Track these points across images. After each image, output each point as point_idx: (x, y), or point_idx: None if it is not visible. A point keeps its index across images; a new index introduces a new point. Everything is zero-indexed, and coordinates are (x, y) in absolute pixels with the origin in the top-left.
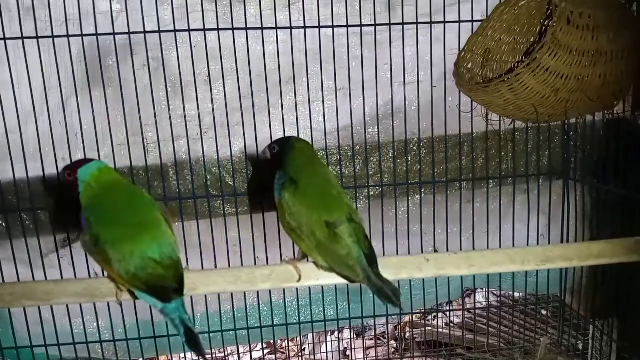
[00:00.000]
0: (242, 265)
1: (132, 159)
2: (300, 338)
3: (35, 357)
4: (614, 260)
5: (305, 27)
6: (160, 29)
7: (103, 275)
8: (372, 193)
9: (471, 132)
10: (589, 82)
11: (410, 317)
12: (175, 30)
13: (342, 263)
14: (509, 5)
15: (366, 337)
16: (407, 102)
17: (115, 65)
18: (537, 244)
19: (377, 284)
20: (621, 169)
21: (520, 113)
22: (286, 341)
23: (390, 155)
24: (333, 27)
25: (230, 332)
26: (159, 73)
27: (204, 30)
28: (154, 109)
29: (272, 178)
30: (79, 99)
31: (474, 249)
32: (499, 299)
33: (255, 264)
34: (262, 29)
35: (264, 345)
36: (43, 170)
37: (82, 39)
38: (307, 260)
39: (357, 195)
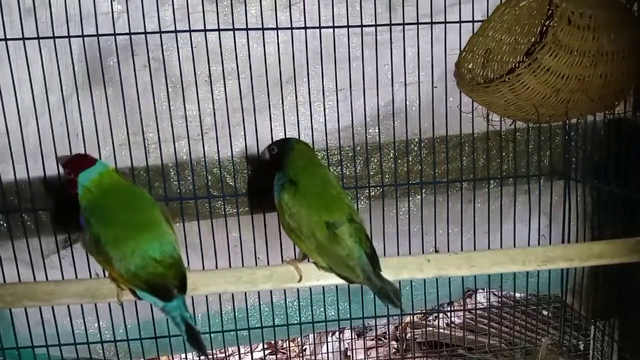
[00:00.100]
0: (242, 265)
1: (133, 159)
2: (301, 338)
3: (37, 357)
4: (615, 261)
5: (305, 28)
6: (161, 30)
7: (104, 275)
8: (373, 193)
9: (472, 132)
10: (590, 82)
11: (411, 318)
12: (176, 31)
13: (342, 264)
14: (509, 5)
15: (367, 338)
16: (407, 103)
17: (116, 66)
18: (538, 244)
19: (378, 285)
20: (622, 169)
21: (521, 113)
22: (287, 341)
23: (391, 155)
24: (334, 27)
25: (231, 333)
26: (160, 73)
27: (205, 30)
28: (155, 109)
29: (272, 179)
30: (79, 99)
31: (475, 249)
32: (500, 299)
33: (256, 264)
34: (262, 29)
35: (265, 346)
36: (44, 171)
37: (83, 39)
38: (308, 261)
39: (358, 195)
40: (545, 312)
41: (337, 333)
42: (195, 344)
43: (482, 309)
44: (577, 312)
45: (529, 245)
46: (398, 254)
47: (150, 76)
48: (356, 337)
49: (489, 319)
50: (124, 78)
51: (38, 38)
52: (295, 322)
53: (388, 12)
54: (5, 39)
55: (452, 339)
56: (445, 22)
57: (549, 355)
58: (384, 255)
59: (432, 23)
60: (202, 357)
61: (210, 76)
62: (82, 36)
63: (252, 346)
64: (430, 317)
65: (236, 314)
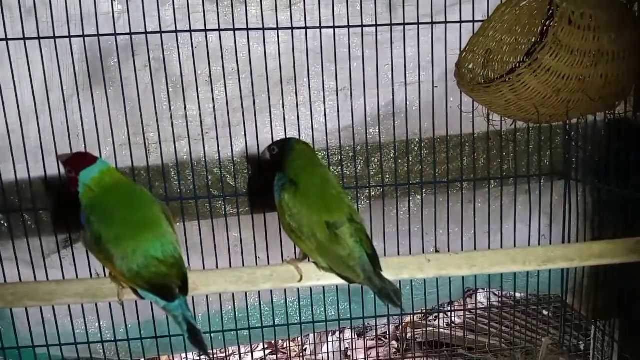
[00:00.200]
0: (243, 265)
1: (134, 159)
2: (302, 338)
3: (37, 357)
4: (615, 261)
5: (306, 28)
6: (162, 30)
7: (105, 275)
8: (373, 193)
9: (472, 132)
10: (591, 82)
11: (412, 318)
12: (176, 31)
13: (342, 264)
14: (510, 5)
15: (367, 338)
16: (408, 103)
17: (116, 66)
18: (539, 244)
19: (378, 285)
20: (622, 169)
21: (521, 113)
22: (287, 341)
23: (392, 155)
24: (334, 27)
25: (232, 332)
26: (161, 73)
27: (205, 30)
28: (156, 109)
29: (272, 179)
30: (80, 99)
31: (475, 249)
32: (500, 299)
33: (256, 264)
34: (263, 29)
35: (265, 346)
36: (45, 171)
37: (84, 39)
38: (308, 261)
39: (359, 195)
40: (545, 312)
41: (337, 333)
42: (197, 344)
43: (482, 309)
44: (578, 312)
45: (529, 245)
46: (398, 254)
47: (150, 76)
48: (357, 337)
49: (490, 319)
50: (125, 78)
51: (39, 38)
52: (296, 321)
53: (389, 12)
54: (6, 39)
55: (453, 339)
56: (446, 22)
57: (549, 355)
58: (385, 255)
59: (432, 23)
60: (203, 357)
61: (210, 76)
62: (83, 36)
63: (253, 346)
64: (431, 317)
65: (237, 313)
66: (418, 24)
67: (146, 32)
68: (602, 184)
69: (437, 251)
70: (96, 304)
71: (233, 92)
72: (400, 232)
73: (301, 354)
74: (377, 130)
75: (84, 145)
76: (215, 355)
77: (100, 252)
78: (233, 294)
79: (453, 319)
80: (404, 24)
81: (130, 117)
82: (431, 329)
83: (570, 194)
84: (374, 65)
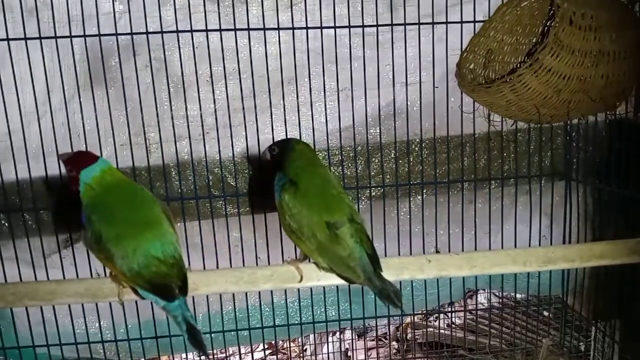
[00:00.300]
0: (243, 265)
1: (135, 159)
2: (302, 339)
3: (37, 357)
4: (616, 261)
5: (307, 28)
6: (163, 30)
7: (105, 275)
8: (373, 193)
9: (473, 132)
10: (591, 82)
11: (412, 318)
12: (177, 31)
13: (342, 264)
14: (511, 5)
15: (368, 338)
16: (409, 103)
17: (117, 66)
18: (539, 244)
19: (379, 285)
20: (623, 169)
21: (522, 114)
22: (288, 342)
23: (392, 155)
24: (335, 27)
25: (232, 333)
26: (162, 73)
27: (206, 30)
28: (156, 109)
29: (273, 179)
30: (81, 99)
31: (475, 249)
32: (500, 300)
33: (256, 264)
34: (264, 29)
35: (266, 346)
36: (45, 171)
37: (85, 39)
38: (309, 261)
39: (359, 195)
40: (546, 313)
41: (337, 333)
42: (196, 344)
43: (483, 310)
44: (578, 313)
45: (529, 245)
46: (399, 255)
47: (151, 76)
48: (357, 337)
49: (490, 319)
50: (126, 78)
51: (40, 38)
52: (296, 322)
53: (389, 13)
54: (8, 39)
55: (453, 340)
56: (447, 23)
57: (549, 356)
58: (385, 255)
59: (433, 23)
60: (202, 357)
61: (211, 76)
62: (84, 36)
63: (253, 346)
64: (431, 318)
65: (237, 314)
66: (419, 24)
67: (147, 32)
68: (602, 185)
69: (437, 252)
70: (96, 304)
71: (234, 92)
72: (400, 232)
73: (301, 355)
74: (378, 131)
75: (84, 145)
76: (215, 356)
77: (100, 251)
78: (233, 294)
79: (453, 319)
80: (404, 24)
81: (131, 117)
82: (431, 329)
83: (571, 195)
84: (374, 65)
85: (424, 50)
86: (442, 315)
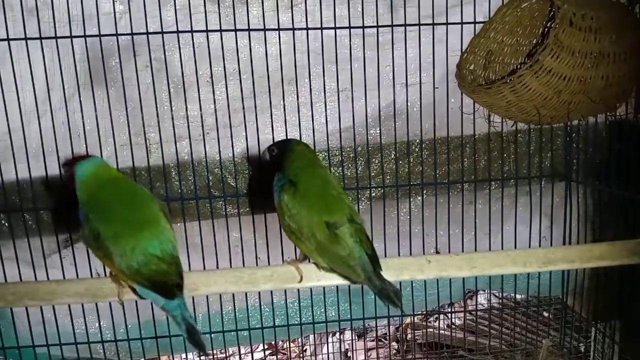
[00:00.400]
0: (243, 265)
1: (135, 159)
2: (302, 339)
3: (37, 356)
4: (616, 262)
5: (307, 29)
6: (163, 30)
7: (105, 275)
8: (373, 194)
9: (473, 133)
10: (592, 83)
11: (412, 319)
12: (178, 32)
13: (342, 264)
14: (511, 7)
15: (367, 339)
16: (409, 103)
17: (118, 66)
18: (539, 245)
19: (378, 285)
20: (623, 170)
21: (522, 114)
22: (287, 342)
23: (392, 156)
24: (335, 28)
25: (232, 333)
26: (162, 74)
27: (207, 31)
28: (157, 109)
29: (273, 179)
30: (81, 99)
31: (475, 250)
32: (500, 300)
33: (256, 264)
34: (264, 30)
35: (265, 346)
36: (46, 171)
37: (85, 39)
38: (309, 261)
39: (359, 196)
40: (546, 314)
41: (337, 334)
42: (195, 344)
43: (482, 311)
44: (578, 314)
45: (529, 246)
46: (399, 255)
47: (152, 76)
48: (357, 337)
49: (490, 320)
50: (126, 78)
51: (40, 38)
52: (296, 322)
53: (390, 13)
54: (8, 39)
55: (453, 340)
56: (447, 23)
57: (549, 357)
58: (385, 256)
59: (433, 24)
60: (202, 357)
61: (212, 76)
62: (84, 36)
63: (253, 346)
64: (431, 318)
65: (237, 314)
66: (419, 25)
67: (147, 33)
68: (602, 186)
69: (437, 252)
70: (96, 304)
71: (234, 93)
72: (400, 233)
73: (301, 355)
74: (378, 131)
75: (85, 145)
76: (215, 356)
77: (98, 249)
78: (233, 295)
79: (453, 320)
80: (405, 25)
81: (131, 117)
82: (431, 330)
83: (571, 196)
84: (375, 66)
85: (424, 51)
86: (442, 316)
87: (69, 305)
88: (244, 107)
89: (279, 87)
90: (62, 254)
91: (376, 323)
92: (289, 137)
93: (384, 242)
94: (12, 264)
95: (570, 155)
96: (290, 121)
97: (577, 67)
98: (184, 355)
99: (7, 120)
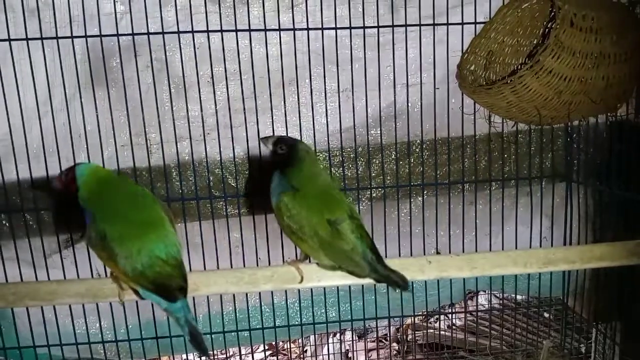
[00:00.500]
0: (244, 266)
1: (135, 159)
2: (302, 340)
3: (38, 357)
4: (616, 263)
5: (308, 29)
6: (164, 31)
7: (106, 275)
8: (374, 195)
9: (474, 134)
10: (592, 84)
11: (412, 319)
12: (178, 32)
13: (346, 258)
14: (512, 7)
15: (368, 339)
16: (409, 104)
17: (118, 66)
18: (540, 246)
19: (385, 274)
20: (624, 171)
21: (523, 115)
22: (288, 343)
23: (393, 156)
24: (336, 28)
25: (232, 333)
26: (163, 74)
27: (208, 31)
28: (157, 110)
29: (270, 175)
30: (82, 99)
31: (476, 251)
32: (501, 301)
33: (257, 265)
34: (265, 30)
35: (266, 347)
36: (47, 171)
37: (86, 40)
38: (309, 262)
39: (360, 196)
40: (546, 315)
41: (338, 334)
42: (197, 346)
43: (483, 311)
44: (579, 315)
45: (530, 247)
46: (399, 256)
47: (152, 77)
48: (357, 338)
49: (490, 321)
50: (127, 79)
51: (41, 38)
52: (297, 323)
53: (390, 14)
54: (9, 39)
55: (453, 341)
56: (448, 24)
57: (550, 357)
58: (386, 256)
59: (434, 25)
60: (203, 359)
61: (212, 77)
62: (85, 37)
63: (253, 347)
64: (432, 319)
65: (237, 314)
66: (420, 25)
67: (148, 33)
68: (603, 186)
69: (438, 253)
70: (97, 304)
71: (235, 93)
72: (401, 233)
73: (302, 356)
74: (379, 132)
75: (85, 145)
76: (215, 356)
77: (103, 249)
78: (234, 295)
79: (454, 321)
80: (405, 26)
81: (132, 118)
82: (432, 331)
83: (571, 196)
84: (375, 66)
85: (425, 52)
86: (442, 317)
87: (70, 306)
88: (244, 108)
89: (280, 87)
90: (63, 254)
91: (377, 324)
92: (297, 139)
93: (385, 243)
94: (13, 264)
95: (571, 156)
96: (291, 121)
97: (578, 67)
98: (184, 356)
99: (8, 120)
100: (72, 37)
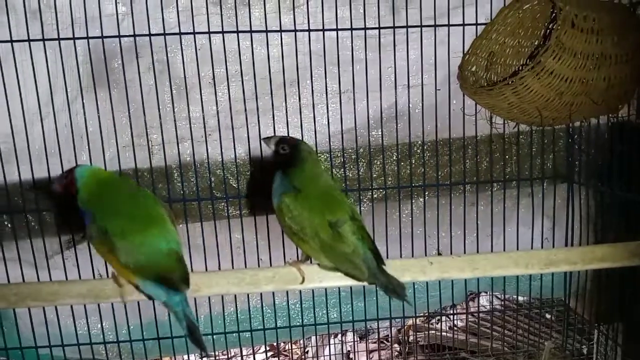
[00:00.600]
0: (245, 267)
1: (137, 160)
2: (304, 341)
3: (40, 357)
4: (618, 264)
5: (309, 30)
6: (166, 32)
7: (107, 276)
8: (375, 196)
9: (475, 135)
10: (594, 85)
11: (414, 321)
12: (180, 33)
13: (347, 261)
14: (513, 8)
15: (369, 340)
16: (410, 105)
17: (120, 68)
18: (541, 247)
19: (383, 281)
20: (625, 172)
21: (524, 116)
22: (289, 344)
23: (394, 157)
24: (337, 30)
25: (234, 334)
26: (164, 75)
27: (209, 33)
28: (159, 111)
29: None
30: (84, 101)
31: (477, 252)
32: (502, 302)
33: (258, 265)
34: (266, 31)
35: (267, 348)
36: (48, 172)
37: (88, 41)
38: (311, 262)
39: (361, 198)
40: (548, 316)
41: (339, 335)
42: (195, 341)
43: (485, 312)
44: (581, 316)
45: (532, 248)
46: (401, 257)
47: (154, 78)
48: (358, 339)
49: (492, 322)
50: (129, 80)
51: (43, 40)
52: (298, 324)
53: (391, 15)
54: (11, 41)
55: (455, 342)
56: (449, 25)
57: (552, 359)
58: (387, 257)
59: (435, 26)
60: (204, 358)
61: (214, 78)
62: (87, 38)
63: (254, 348)
64: (433, 320)
65: (238, 315)
66: (421, 26)
67: (150, 34)
68: (604, 187)
69: (439, 254)
70: (98, 305)
71: (236, 94)
72: (402, 234)
73: (303, 356)
74: (380, 133)
75: (87, 147)
76: (217, 357)
77: (103, 243)
78: (235, 296)
79: (455, 322)
80: (406, 27)
81: (133, 119)
82: (433, 332)
83: (573, 197)
84: (376, 67)
85: (426, 53)
86: (444, 318)
87: (72, 306)
88: (245, 109)
89: (281, 88)
90: (65, 255)
91: (378, 325)
92: (297, 138)
93: (386, 244)
94: (14, 264)
95: (572, 157)
96: (292, 123)
97: (579, 68)
98: (185, 357)
99: (10, 121)
100: (74, 38)
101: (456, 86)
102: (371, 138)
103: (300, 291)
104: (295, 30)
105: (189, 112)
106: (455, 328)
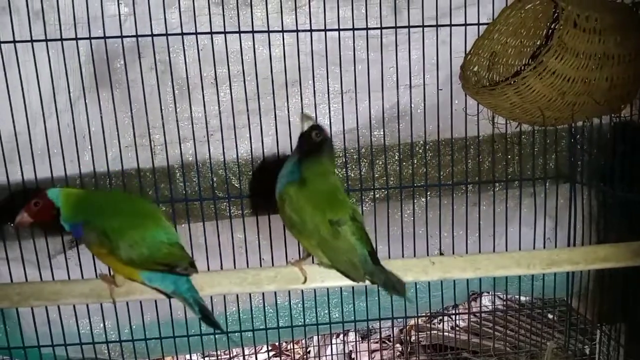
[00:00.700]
0: (247, 266)
1: (139, 160)
2: (306, 340)
3: (43, 357)
4: (620, 264)
5: (311, 30)
6: (168, 32)
7: (109, 276)
8: (377, 196)
9: (477, 135)
10: (596, 85)
11: (416, 320)
12: (182, 34)
13: (344, 260)
14: (515, 8)
15: (371, 340)
16: (413, 105)
17: (122, 68)
18: (544, 247)
19: (382, 277)
20: (627, 172)
21: (526, 116)
22: (291, 343)
23: (396, 157)
24: (339, 30)
25: (236, 334)
26: (166, 76)
27: (211, 33)
28: (161, 111)
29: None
30: (86, 101)
31: (480, 252)
32: (505, 302)
33: (260, 265)
34: (268, 32)
35: (269, 348)
36: (51, 171)
37: (90, 41)
38: (312, 262)
39: (363, 198)
40: (550, 316)
41: (341, 335)
42: (211, 323)
43: (487, 312)
44: (583, 316)
45: (534, 248)
46: (403, 257)
47: (156, 78)
48: (360, 339)
49: (494, 322)
50: (131, 80)
51: (46, 40)
52: (300, 323)
53: (393, 15)
54: (14, 41)
55: (457, 342)
56: (451, 25)
57: (554, 359)
58: (389, 257)
59: (437, 26)
60: (206, 358)
61: (216, 78)
62: (90, 38)
63: (256, 348)
64: (435, 320)
65: (240, 315)
66: (423, 26)
67: (152, 35)
68: (607, 187)
69: (441, 254)
70: (101, 305)
71: (238, 95)
72: (404, 234)
73: (305, 356)
74: (382, 133)
75: (90, 147)
76: (219, 357)
77: (102, 245)
78: (237, 296)
79: (457, 322)
80: (408, 27)
81: (136, 119)
82: (435, 332)
83: (575, 197)
84: (378, 67)
85: (428, 53)
86: (446, 318)
87: (74, 306)
88: (247, 109)
89: (283, 88)
90: (67, 254)
91: (380, 325)
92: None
93: (388, 244)
94: (17, 264)
95: (575, 157)
96: (294, 123)
97: (581, 68)
98: (188, 356)
99: (13, 121)
100: (76, 38)
101: (458, 86)
102: (373, 138)
103: (302, 291)
104: (297, 31)
105: (191, 112)
106: (457, 328)
